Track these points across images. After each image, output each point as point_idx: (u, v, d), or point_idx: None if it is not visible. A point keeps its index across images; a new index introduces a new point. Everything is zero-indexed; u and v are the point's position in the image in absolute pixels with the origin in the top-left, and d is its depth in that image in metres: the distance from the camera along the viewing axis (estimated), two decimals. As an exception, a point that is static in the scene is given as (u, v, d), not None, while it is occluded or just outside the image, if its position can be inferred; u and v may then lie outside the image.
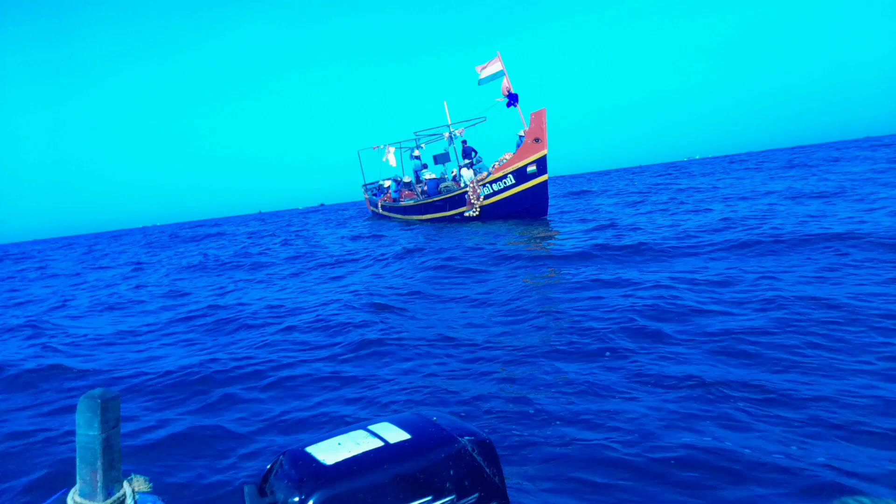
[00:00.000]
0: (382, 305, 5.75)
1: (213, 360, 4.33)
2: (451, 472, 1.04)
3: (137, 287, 10.16)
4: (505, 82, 14.14)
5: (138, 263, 15.71)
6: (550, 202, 14.32)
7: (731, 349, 3.47)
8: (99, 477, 0.82)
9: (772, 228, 7.52)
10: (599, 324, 4.24)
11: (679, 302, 4.57)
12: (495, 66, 14.38)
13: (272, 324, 5.58)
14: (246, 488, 1.06)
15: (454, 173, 16.61)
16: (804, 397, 2.73)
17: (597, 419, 2.74)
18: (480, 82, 14.74)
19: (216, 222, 65.34)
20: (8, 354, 5.30)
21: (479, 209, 14.45)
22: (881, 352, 3.18)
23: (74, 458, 0.83)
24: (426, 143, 19.65)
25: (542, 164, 13.31)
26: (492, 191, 14.14)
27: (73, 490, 0.85)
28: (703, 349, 3.54)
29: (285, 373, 3.94)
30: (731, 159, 57.55)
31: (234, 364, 4.20)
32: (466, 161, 15.63)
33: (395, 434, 1.09)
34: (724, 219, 9.17)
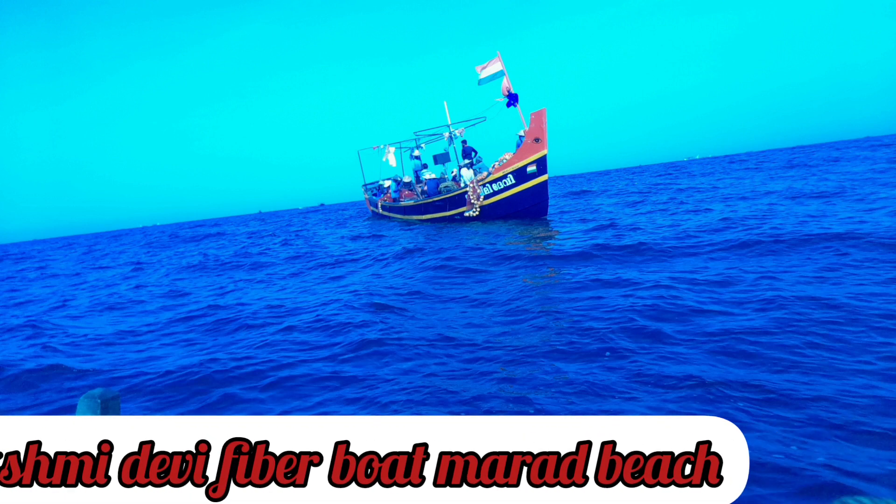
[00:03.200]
0: (382, 305, 5.75)
1: (213, 360, 4.33)
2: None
3: (137, 287, 10.15)
4: (505, 82, 14.13)
5: (138, 263, 15.71)
6: (550, 202, 14.31)
7: (731, 349, 3.47)
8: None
9: (772, 228, 7.52)
10: (599, 324, 4.24)
11: (679, 302, 4.57)
12: (495, 66, 14.37)
13: (272, 324, 5.58)
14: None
15: (454, 173, 16.61)
16: (804, 397, 2.73)
17: (597, 419, 2.73)
18: (480, 82, 14.74)
19: (216, 222, 65.32)
20: (8, 354, 5.30)
21: (479, 209, 14.45)
22: (881, 352, 3.18)
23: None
24: (426, 143, 19.66)
25: (542, 164, 13.31)
26: (492, 191, 14.14)
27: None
28: (703, 349, 3.54)
29: (285, 373, 3.94)
30: (731, 159, 57.55)
31: (234, 364, 4.20)
32: (466, 161, 15.63)
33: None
34: (724, 219, 9.17)
